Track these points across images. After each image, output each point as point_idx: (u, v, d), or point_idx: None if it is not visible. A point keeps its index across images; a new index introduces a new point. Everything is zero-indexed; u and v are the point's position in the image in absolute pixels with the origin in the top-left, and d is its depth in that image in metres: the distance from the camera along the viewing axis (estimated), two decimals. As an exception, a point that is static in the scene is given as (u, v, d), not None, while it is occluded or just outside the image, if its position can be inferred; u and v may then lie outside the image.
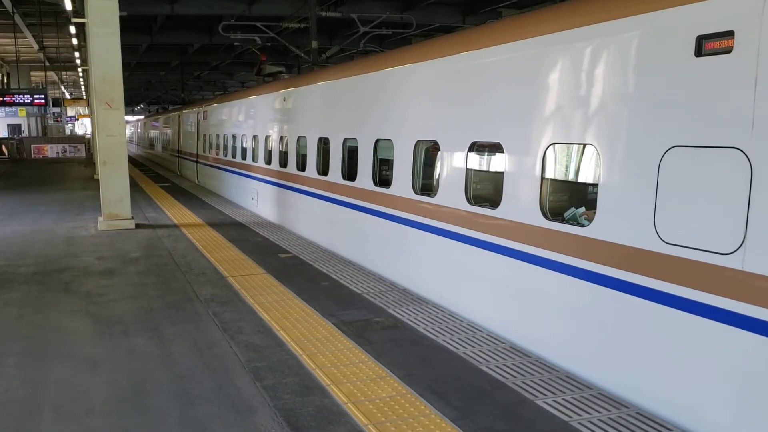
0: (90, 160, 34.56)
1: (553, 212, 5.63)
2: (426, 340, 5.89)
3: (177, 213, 14.42)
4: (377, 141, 8.64)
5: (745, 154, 3.88)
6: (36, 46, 29.98)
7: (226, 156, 17.94)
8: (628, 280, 4.68)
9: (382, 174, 8.66)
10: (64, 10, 19.06)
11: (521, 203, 5.81)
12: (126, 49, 15.65)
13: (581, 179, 5.87)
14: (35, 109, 44.59)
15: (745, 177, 3.87)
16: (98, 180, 12.93)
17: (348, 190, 9.46)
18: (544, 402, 4.60)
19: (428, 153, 7.69)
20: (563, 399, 4.65)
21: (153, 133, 39.79)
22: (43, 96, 36.09)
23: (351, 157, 9.53)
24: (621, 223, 4.78)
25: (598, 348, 5.06)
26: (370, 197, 8.76)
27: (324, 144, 10.53)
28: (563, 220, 5.61)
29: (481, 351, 5.60)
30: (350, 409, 4.50)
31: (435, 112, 7.42)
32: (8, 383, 5.09)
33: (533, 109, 5.74)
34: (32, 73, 46.17)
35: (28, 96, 35.22)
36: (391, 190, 8.18)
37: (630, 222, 4.69)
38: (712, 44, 4.09)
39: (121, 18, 12.04)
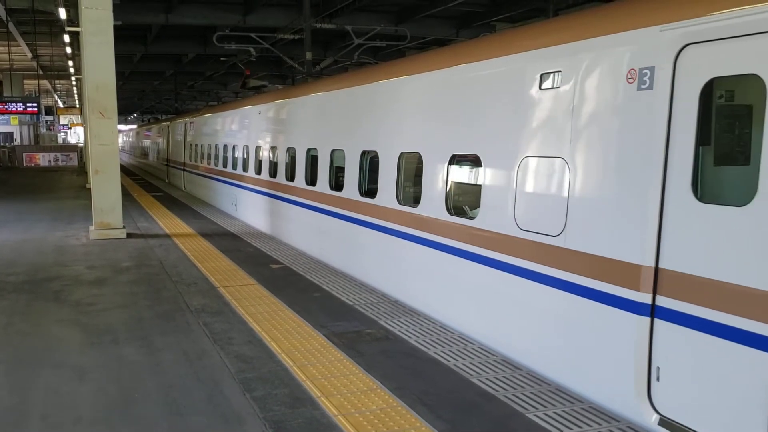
0: (82, 169, 34.43)
1: (457, 209, 6.93)
2: (417, 353, 5.88)
3: (169, 223, 14.38)
4: (363, 152, 8.90)
5: (567, 162, 5.15)
6: (29, 54, 29.96)
7: (209, 164, 18.97)
8: (499, 259, 5.98)
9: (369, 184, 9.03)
10: (58, 19, 19.07)
11: (435, 202, 7.03)
12: (120, 58, 15.68)
13: (475, 182, 6.82)
14: (28, 117, 44.55)
15: (567, 179, 5.16)
16: (90, 189, 12.89)
17: (332, 200, 9.86)
18: (535, 415, 4.59)
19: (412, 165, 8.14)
20: (554, 412, 4.64)
21: (143, 142, 40.46)
22: (35, 104, 36.08)
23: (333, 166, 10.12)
24: (494, 215, 6.07)
25: (472, 307, 6.47)
26: (356, 207, 9.06)
27: (311, 155, 10.86)
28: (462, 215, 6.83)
29: (472, 363, 5.59)
30: (340, 422, 4.48)
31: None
32: (-5, 392, 5.05)
33: (442, 125, 7.07)
34: (25, 81, 46.07)
35: (21, 104, 35.19)
36: (376, 201, 8.41)
37: (500, 214, 5.96)
38: (549, 79, 5.39)
39: (116, 27, 12.05)
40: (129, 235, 12.30)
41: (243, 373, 5.37)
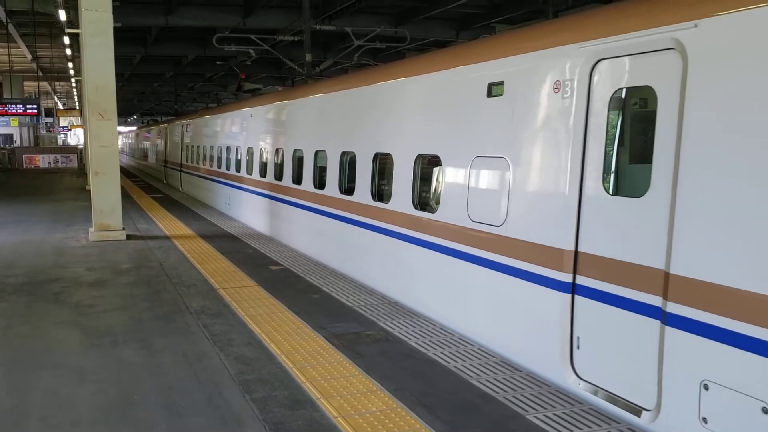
0: (82, 171, 34.44)
1: (422, 204, 7.57)
2: (417, 354, 5.88)
3: (168, 224, 14.38)
4: (343, 153, 9.53)
5: (507, 161, 5.85)
6: (29, 56, 29.97)
7: (204, 165, 20.00)
8: (455, 248, 6.65)
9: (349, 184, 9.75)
10: (58, 21, 19.09)
11: (403, 198, 7.73)
12: (120, 60, 15.70)
13: (436, 180, 7.48)
14: (28, 118, 44.56)
15: (508, 176, 5.85)
16: (90, 190, 12.89)
17: (316, 198, 10.64)
18: (535, 417, 4.59)
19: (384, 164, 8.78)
20: (554, 414, 4.64)
21: (142, 144, 41.25)
22: (35, 106, 36.04)
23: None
24: (451, 210, 6.73)
25: (435, 291, 7.11)
26: (337, 204, 9.80)
27: (297, 155, 11.59)
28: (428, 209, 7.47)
29: (471, 365, 5.59)
30: (340, 423, 4.48)
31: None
32: (-5, 394, 5.04)
33: (409, 128, 7.80)
34: (25, 83, 46.04)
35: (21, 106, 35.14)
36: (354, 198, 9.13)
37: (454, 209, 6.64)
38: (495, 88, 6.04)
39: (116, 29, 12.05)
40: (129, 237, 12.29)
41: (243, 374, 5.37)
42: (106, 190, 12.12)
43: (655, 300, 4.36)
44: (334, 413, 4.63)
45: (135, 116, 73.88)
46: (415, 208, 7.49)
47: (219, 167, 17.74)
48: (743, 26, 3.87)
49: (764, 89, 3.75)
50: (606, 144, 4.89)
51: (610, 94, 4.86)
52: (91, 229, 12.33)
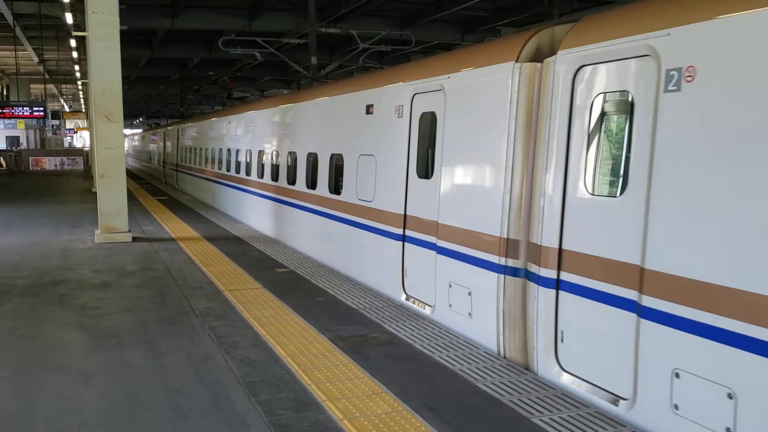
0: (88, 173, 34.54)
1: (337, 189, 10.12)
2: (422, 357, 5.87)
3: (174, 227, 14.41)
4: (289, 152, 12.46)
5: (375, 158, 8.57)
6: (36, 59, 30.10)
7: (193, 165, 23.45)
8: (349, 218, 9.41)
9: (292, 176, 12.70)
10: (64, 24, 19.16)
11: (324, 186, 10.46)
12: (126, 63, 15.73)
13: (342, 171, 9.90)
14: (34, 121, 44.73)
15: (375, 168, 8.55)
16: (96, 193, 12.93)
17: (272, 188, 13.54)
18: (540, 420, 4.58)
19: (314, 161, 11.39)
20: (559, 417, 4.63)
21: (145, 146, 43.16)
22: (42, 108, 36.17)
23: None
24: (348, 192, 9.45)
25: (338, 249, 10.02)
26: (286, 192, 12.64)
27: (261, 155, 14.63)
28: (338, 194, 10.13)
29: (477, 368, 5.58)
30: (345, 426, 4.48)
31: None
32: (0, 396, 5.05)
33: (325, 134, 10.79)
34: (32, 86, 46.26)
35: (28, 108, 35.31)
36: (296, 187, 11.94)
37: (350, 191, 9.36)
38: (370, 108, 8.82)
39: (122, 31, 12.08)
40: (134, 239, 12.32)
41: (248, 377, 5.37)
42: (112, 193, 12.15)
43: (433, 239, 7.11)
44: (339, 415, 4.63)
45: (141, 119, 74.02)
46: (330, 192, 10.19)
47: (205, 166, 20.98)
48: (464, 79, 6.77)
49: (476, 111, 6.54)
50: (417, 146, 7.61)
51: (419, 115, 7.58)
52: (97, 232, 12.37)
